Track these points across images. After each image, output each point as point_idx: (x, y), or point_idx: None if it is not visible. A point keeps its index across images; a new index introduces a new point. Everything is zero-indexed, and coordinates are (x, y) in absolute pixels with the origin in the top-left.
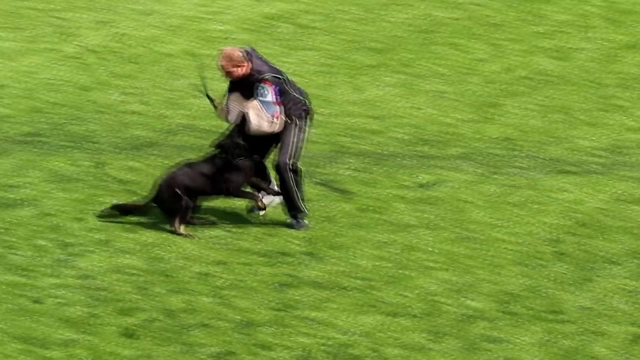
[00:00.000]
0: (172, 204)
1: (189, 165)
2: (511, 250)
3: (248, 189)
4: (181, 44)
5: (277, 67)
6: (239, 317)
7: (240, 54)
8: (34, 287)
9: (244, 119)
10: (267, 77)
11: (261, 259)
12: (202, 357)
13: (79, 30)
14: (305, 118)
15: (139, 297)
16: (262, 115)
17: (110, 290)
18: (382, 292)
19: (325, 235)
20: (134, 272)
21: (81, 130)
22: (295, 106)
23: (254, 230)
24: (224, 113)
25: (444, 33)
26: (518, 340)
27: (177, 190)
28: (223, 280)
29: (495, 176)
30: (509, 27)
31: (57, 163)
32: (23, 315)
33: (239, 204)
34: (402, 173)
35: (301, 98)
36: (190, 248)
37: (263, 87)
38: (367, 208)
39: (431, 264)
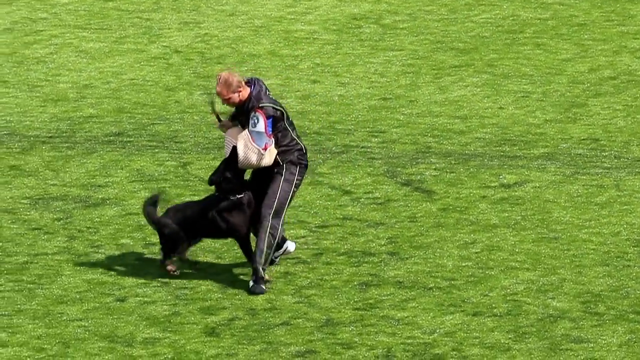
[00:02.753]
0: (170, 238)
1: (186, 206)
2: (595, 250)
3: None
4: (266, 45)
5: (281, 104)
6: (321, 316)
7: (238, 78)
8: (118, 286)
9: (234, 152)
10: (262, 105)
11: (344, 258)
12: (285, 355)
13: (164, 30)
14: (297, 166)
15: (222, 296)
16: (250, 146)
17: (193, 289)
18: (465, 292)
19: (408, 235)
20: (217, 271)
21: (166, 130)
22: (289, 150)
23: (337, 230)
24: (224, 128)
25: (529, 33)
26: (602, 341)
27: (176, 228)
28: (306, 279)
29: (580, 176)
30: (595, 27)
31: (141, 163)
32: (107, 313)
33: (325, 204)
34: (486, 173)
35: (300, 144)
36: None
37: (255, 116)
38: (451, 208)
39: (514, 264)
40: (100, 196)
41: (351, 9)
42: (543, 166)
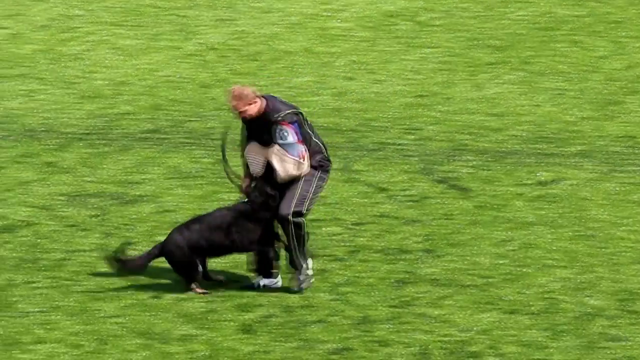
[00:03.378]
0: (182, 264)
1: (199, 219)
2: (632, 248)
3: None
4: (301, 42)
5: (297, 108)
6: (357, 314)
7: (252, 90)
8: (154, 283)
9: (268, 168)
10: (283, 116)
11: (380, 256)
12: (320, 352)
13: (199, 27)
14: (318, 170)
15: (257, 293)
16: (286, 159)
17: (229, 286)
18: (501, 290)
19: (444, 233)
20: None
21: (201, 127)
22: (311, 155)
23: (373, 227)
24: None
25: (565, 30)
26: (639, 339)
27: (186, 250)
28: (342, 277)
29: (616, 174)
30: (631, 24)
31: (177, 160)
32: (143, 310)
33: (360, 201)
34: (522, 170)
35: (320, 148)
36: (308, 245)
37: (282, 129)
38: (486, 205)
39: (551, 262)
40: (136, 193)
41: (387, 6)
42: (579, 164)
